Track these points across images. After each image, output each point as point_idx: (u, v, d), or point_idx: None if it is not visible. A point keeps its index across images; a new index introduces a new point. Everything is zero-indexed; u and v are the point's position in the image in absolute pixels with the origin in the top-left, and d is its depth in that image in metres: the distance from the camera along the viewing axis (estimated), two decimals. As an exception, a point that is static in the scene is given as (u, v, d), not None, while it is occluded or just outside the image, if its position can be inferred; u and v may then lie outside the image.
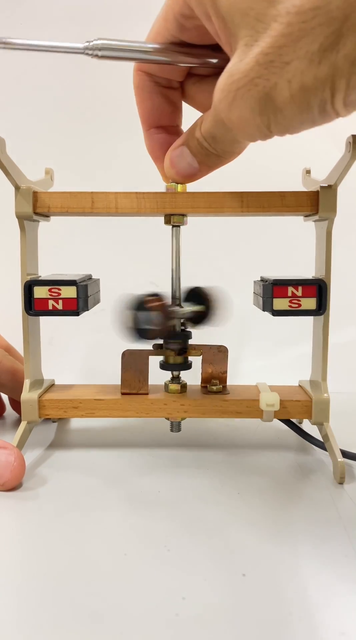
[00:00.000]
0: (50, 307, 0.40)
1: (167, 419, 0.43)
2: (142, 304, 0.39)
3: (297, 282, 0.39)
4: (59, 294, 0.40)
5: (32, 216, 0.40)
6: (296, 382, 0.46)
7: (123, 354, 0.42)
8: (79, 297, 0.39)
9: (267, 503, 0.35)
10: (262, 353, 0.61)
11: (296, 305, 0.39)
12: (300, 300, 0.39)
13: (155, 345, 0.43)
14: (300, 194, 0.40)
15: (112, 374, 0.44)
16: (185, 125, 0.38)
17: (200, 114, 0.34)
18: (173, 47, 0.33)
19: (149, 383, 0.43)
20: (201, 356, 0.43)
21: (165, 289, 0.42)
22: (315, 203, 0.39)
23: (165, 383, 0.43)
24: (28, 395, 0.41)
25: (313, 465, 0.40)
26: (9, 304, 0.47)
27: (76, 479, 0.38)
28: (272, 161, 0.58)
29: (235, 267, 0.59)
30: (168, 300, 0.41)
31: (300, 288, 0.39)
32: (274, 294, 0.39)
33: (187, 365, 0.42)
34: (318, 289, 0.39)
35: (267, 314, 0.40)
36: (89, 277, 0.43)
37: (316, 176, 0.43)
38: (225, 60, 0.31)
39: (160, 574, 0.27)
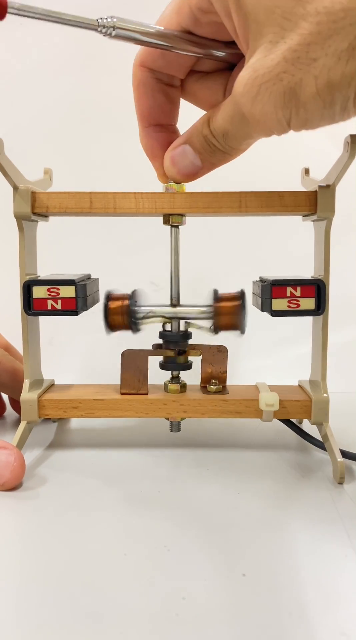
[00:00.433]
0: (49, 307, 0.40)
1: (167, 419, 0.43)
2: (106, 300, 0.40)
3: (296, 282, 0.39)
4: (58, 294, 0.40)
5: (31, 216, 0.40)
6: (296, 382, 0.46)
7: (123, 354, 0.42)
8: (78, 297, 0.39)
9: (266, 503, 0.35)
10: (262, 353, 0.61)
11: (295, 306, 0.39)
12: (298, 301, 0.39)
13: (154, 345, 0.43)
14: (298, 194, 0.40)
15: (112, 374, 0.44)
16: (181, 125, 0.39)
17: (198, 112, 0.34)
18: (184, 35, 0.33)
19: (149, 383, 0.43)
20: (200, 356, 0.43)
21: (164, 289, 0.42)
22: (314, 203, 0.39)
23: (164, 383, 0.43)
24: (28, 395, 0.41)
25: (312, 465, 0.40)
26: (9, 304, 0.47)
27: (76, 479, 0.38)
28: (271, 161, 0.58)
29: (233, 267, 0.59)
30: (128, 301, 0.41)
31: (298, 288, 0.39)
32: (273, 294, 0.39)
33: (187, 365, 0.42)
34: (317, 289, 0.39)
35: (266, 314, 0.40)
36: (88, 277, 0.43)
37: (315, 176, 0.43)
38: (234, 55, 0.31)
39: (160, 574, 0.27)
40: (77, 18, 0.30)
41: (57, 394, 0.42)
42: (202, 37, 0.33)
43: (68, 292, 0.39)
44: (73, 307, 0.40)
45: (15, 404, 0.51)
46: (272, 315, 0.39)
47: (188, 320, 0.42)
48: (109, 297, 0.41)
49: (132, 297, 0.41)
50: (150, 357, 0.43)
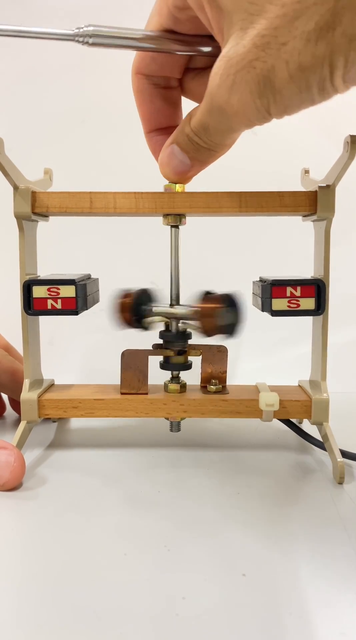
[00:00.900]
0: (49, 307, 0.40)
1: (167, 418, 0.43)
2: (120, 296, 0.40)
3: (296, 282, 0.39)
4: (58, 294, 0.40)
5: (31, 216, 0.40)
6: (296, 382, 0.46)
7: (123, 353, 0.43)
8: (78, 297, 0.39)
9: (266, 503, 0.35)
10: (262, 353, 0.61)
11: (295, 306, 0.39)
12: (298, 301, 0.39)
13: (155, 345, 0.43)
14: (298, 194, 0.40)
15: (112, 374, 0.44)
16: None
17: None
18: (165, 35, 0.33)
19: (149, 383, 0.43)
20: (201, 356, 0.43)
21: (164, 289, 0.42)
22: (314, 203, 0.39)
23: (164, 383, 0.43)
24: (27, 395, 0.41)
25: (312, 465, 0.40)
26: (9, 303, 0.47)
27: (76, 479, 0.38)
28: (271, 161, 0.59)
29: (233, 268, 0.59)
30: (136, 299, 0.40)
31: (298, 288, 0.39)
32: (273, 294, 0.39)
33: (187, 365, 0.42)
34: (317, 289, 0.39)
35: (266, 314, 0.40)
36: (88, 277, 0.43)
37: (315, 176, 0.43)
38: (218, 48, 0.31)
39: (160, 574, 0.27)
40: (53, 31, 0.31)
41: (57, 394, 0.42)
42: (186, 34, 0.33)
43: (68, 291, 0.39)
44: (73, 307, 0.40)
45: (15, 404, 0.51)
46: (272, 315, 0.39)
47: (184, 321, 0.42)
48: (121, 294, 0.40)
49: (140, 295, 0.40)
50: (150, 357, 0.43)
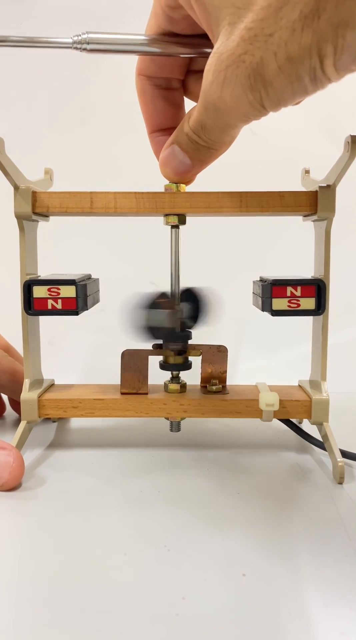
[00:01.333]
0: (50, 307, 0.40)
1: (167, 418, 0.43)
2: (155, 304, 0.39)
3: (296, 282, 0.39)
4: (58, 294, 0.40)
5: (31, 216, 0.40)
6: (296, 382, 0.46)
7: (123, 354, 0.42)
8: (78, 297, 0.39)
9: (266, 503, 0.35)
10: (262, 353, 0.61)
11: (296, 305, 0.39)
12: (299, 300, 0.39)
13: (154, 345, 0.43)
14: (298, 194, 0.40)
15: (112, 374, 0.44)
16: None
17: None
18: (163, 38, 0.33)
19: (149, 383, 0.43)
20: (201, 356, 0.43)
21: (164, 289, 0.42)
22: (314, 203, 0.39)
23: (164, 383, 0.43)
24: (27, 395, 0.41)
25: (312, 465, 0.40)
26: (9, 303, 0.47)
27: (76, 479, 0.38)
28: (271, 161, 0.59)
29: (234, 267, 0.59)
30: (176, 300, 0.41)
31: (299, 288, 0.39)
32: (273, 294, 0.39)
33: (187, 365, 0.42)
34: (317, 288, 0.39)
35: (266, 314, 0.40)
36: (88, 277, 0.43)
37: (315, 176, 0.43)
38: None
39: (160, 574, 0.27)
40: (51, 40, 0.31)
41: (57, 394, 0.42)
42: (182, 35, 0.33)
43: (68, 292, 0.39)
44: (73, 307, 0.40)
45: (15, 404, 0.51)
46: (272, 315, 0.39)
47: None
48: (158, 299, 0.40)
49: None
50: (150, 357, 0.43)
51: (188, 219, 0.41)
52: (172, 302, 0.40)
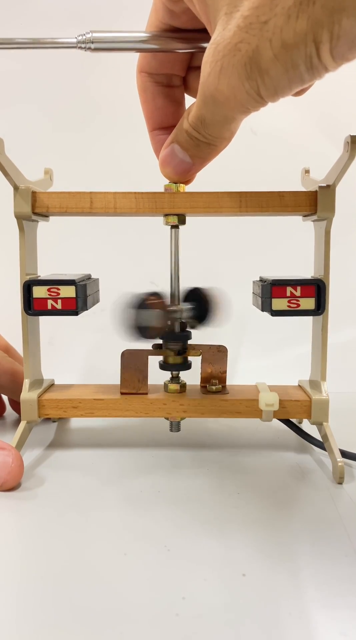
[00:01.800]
0: (49, 307, 0.40)
1: (167, 418, 0.43)
2: (144, 303, 0.39)
3: (296, 282, 0.39)
4: (58, 294, 0.40)
5: (31, 216, 0.40)
6: (296, 382, 0.46)
7: (123, 353, 0.42)
8: (78, 297, 0.39)
9: (266, 503, 0.35)
10: (261, 353, 0.61)
11: (295, 305, 0.39)
12: (298, 300, 0.39)
13: (154, 345, 0.43)
14: (298, 194, 0.40)
15: (112, 374, 0.44)
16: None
17: None
18: (165, 34, 0.33)
19: (149, 383, 0.43)
20: (200, 356, 0.43)
21: (164, 289, 0.42)
22: (314, 203, 0.39)
23: (164, 383, 0.43)
24: (27, 395, 0.41)
25: (312, 465, 0.40)
26: (9, 303, 0.47)
27: (75, 478, 0.38)
28: (271, 161, 0.59)
29: (233, 267, 0.59)
30: (168, 300, 0.41)
31: (298, 288, 0.39)
32: (273, 294, 0.39)
33: (187, 365, 0.42)
34: (317, 289, 0.39)
35: (266, 314, 0.40)
36: (88, 277, 0.43)
37: (315, 176, 0.43)
38: None
39: (160, 574, 0.27)
40: (56, 40, 0.31)
41: (56, 394, 0.42)
42: (185, 30, 0.33)
43: (68, 292, 0.39)
44: (73, 307, 0.40)
45: (15, 405, 0.51)
46: (272, 315, 0.39)
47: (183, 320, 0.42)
48: (147, 298, 0.39)
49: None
50: (150, 357, 0.43)
51: (188, 219, 0.41)
52: (161, 302, 0.40)
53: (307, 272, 0.43)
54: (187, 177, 0.37)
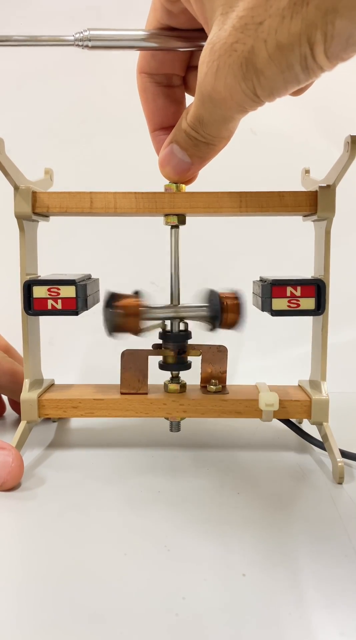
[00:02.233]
0: (50, 307, 0.40)
1: (167, 418, 0.43)
2: (110, 303, 0.39)
3: (296, 282, 0.39)
4: (58, 294, 0.40)
5: (31, 216, 0.40)
6: (296, 382, 0.46)
7: (123, 353, 0.42)
8: (78, 297, 0.39)
9: (266, 503, 0.35)
10: (261, 353, 0.61)
11: (295, 305, 0.39)
12: (299, 300, 0.39)
13: (154, 345, 0.43)
14: (298, 194, 0.40)
15: (112, 374, 0.44)
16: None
17: None
18: (163, 32, 0.33)
19: (149, 383, 0.43)
20: (200, 356, 0.43)
21: (164, 289, 0.42)
22: (314, 203, 0.39)
23: (164, 383, 0.43)
24: (27, 395, 0.41)
25: (312, 465, 0.40)
26: (9, 303, 0.47)
27: (75, 478, 0.38)
28: (271, 161, 0.59)
29: (233, 267, 0.59)
30: (147, 301, 0.40)
31: (298, 288, 0.39)
32: (273, 294, 0.39)
33: (186, 365, 0.42)
34: (317, 288, 0.39)
35: (266, 314, 0.40)
36: (88, 277, 0.43)
37: (315, 176, 0.43)
38: None
39: (160, 574, 0.27)
40: (53, 38, 0.31)
41: (57, 394, 0.42)
42: (183, 29, 0.33)
43: (68, 292, 0.39)
44: (73, 307, 0.40)
45: (15, 405, 0.51)
46: (272, 315, 0.39)
47: (188, 320, 0.42)
48: (117, 297, 0.39)
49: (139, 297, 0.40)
50: (150, 357, 0.43)
51: (188, 219, 0.41)
52: (134, 302, 0.39)
53: (307, 272, 0.43)
54: (187, 177, 0.37)
